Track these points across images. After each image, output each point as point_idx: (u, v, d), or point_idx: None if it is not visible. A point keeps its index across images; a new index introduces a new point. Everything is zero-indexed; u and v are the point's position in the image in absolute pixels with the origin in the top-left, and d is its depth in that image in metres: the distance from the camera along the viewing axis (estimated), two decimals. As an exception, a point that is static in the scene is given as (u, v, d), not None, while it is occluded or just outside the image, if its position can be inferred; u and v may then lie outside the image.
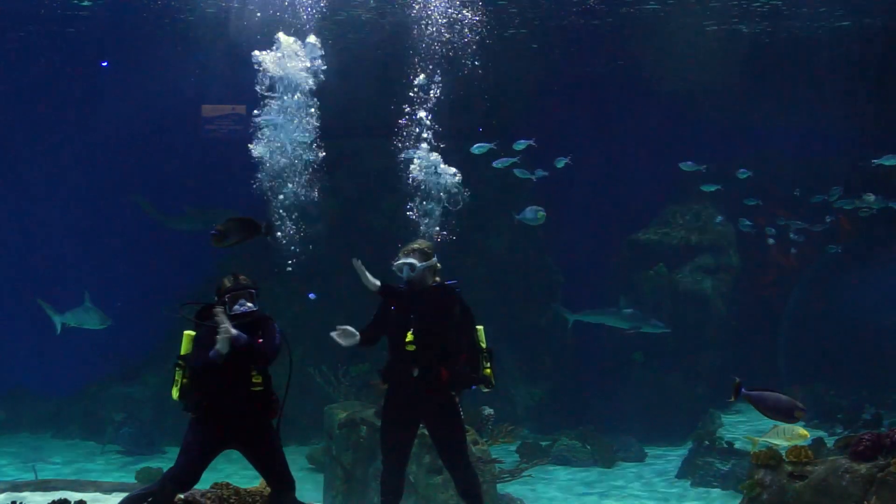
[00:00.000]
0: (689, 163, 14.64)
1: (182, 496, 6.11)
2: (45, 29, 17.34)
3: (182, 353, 6.18)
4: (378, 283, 6.84)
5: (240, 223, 6.67)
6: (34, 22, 17.08)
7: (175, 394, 6.17)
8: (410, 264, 6.74)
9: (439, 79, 10.94)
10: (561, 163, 14.53)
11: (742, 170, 15.50)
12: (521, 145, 13.88)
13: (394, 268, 6.82)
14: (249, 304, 6.15)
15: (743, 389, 6.97)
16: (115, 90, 19.15)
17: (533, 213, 13.33)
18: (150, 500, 6.03)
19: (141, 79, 18.01)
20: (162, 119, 18.68)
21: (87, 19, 16.82)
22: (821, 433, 13.36)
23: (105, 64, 19.50)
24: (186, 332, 6.23)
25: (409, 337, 6.65)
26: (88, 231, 20.56)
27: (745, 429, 14.74)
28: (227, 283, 6.21)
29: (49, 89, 19.71)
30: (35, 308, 16.62)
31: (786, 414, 7.17)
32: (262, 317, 6.20)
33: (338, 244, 16.84)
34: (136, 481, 11.84)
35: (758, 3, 15.23)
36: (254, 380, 6.08)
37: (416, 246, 6.86)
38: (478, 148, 13.40)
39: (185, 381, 6.13)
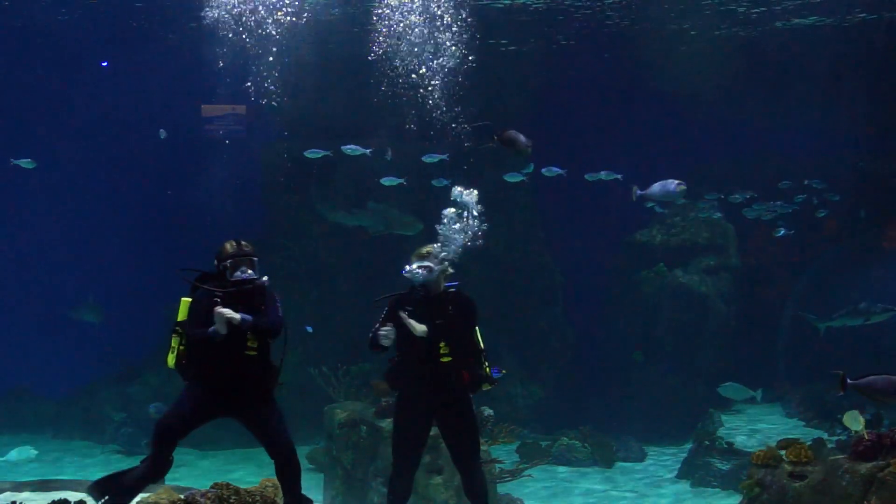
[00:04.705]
0: (554, 168, 14.28)
1: (182, 496, 6.09)
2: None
3: (179, 319, 6.17)
4: (424, 327, 6.59)
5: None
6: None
7: (171, 360, 6.18)
8: (427, 268, 6.68)
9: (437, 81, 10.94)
10: (553, 172, 14.42)
11: (606, 171, 14.87)
12: (432, 159, 13.88)
13: (406, 272, 6.70)
14: (250, 272, 6.13)
15: (849, 380, 6.85)
16: (121, 89, 19.15)
17: (671, 187, 10.90)
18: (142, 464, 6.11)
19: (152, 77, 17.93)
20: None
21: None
22: (821, 433, 13.34)
23: (105, 64, 19.48)
24: (184, 299, 6.22)
25: (440, 344, 6.62)
26: (88, 231, 20.56)
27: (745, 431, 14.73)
28: (229, 248, 6.17)
29: (53, 88, 19.70)
30: (34, 308, 16.57)
31: (894, 394, 7.01)
32: (262, 285, 6.17)
33: (337, 245, 16.87)
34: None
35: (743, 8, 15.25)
36: (249, 343, 6.07)
37: (428, 250, 6.80)
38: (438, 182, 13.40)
39: (181, 348, 6.15)
